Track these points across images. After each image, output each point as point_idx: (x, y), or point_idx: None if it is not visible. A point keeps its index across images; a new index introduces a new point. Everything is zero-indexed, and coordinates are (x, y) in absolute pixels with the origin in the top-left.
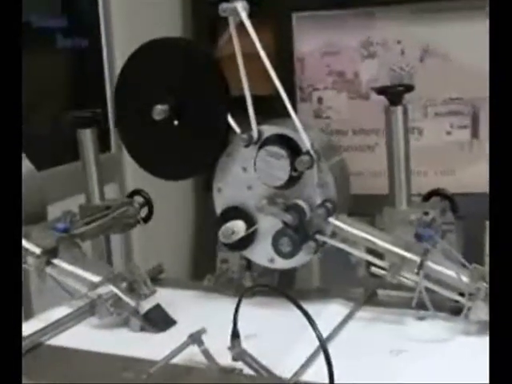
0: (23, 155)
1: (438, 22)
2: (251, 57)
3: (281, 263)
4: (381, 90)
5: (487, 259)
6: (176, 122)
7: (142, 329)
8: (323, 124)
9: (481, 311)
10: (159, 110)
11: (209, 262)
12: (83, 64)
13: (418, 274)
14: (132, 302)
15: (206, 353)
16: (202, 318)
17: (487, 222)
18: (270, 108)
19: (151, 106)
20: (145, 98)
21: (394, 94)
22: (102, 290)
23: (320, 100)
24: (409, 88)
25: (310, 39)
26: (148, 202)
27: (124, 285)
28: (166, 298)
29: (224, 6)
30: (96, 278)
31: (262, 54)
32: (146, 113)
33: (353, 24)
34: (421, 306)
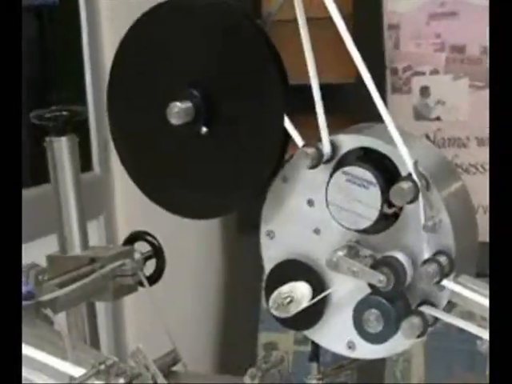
0: None
1: None
2: (315, 26)
3: (365, 351)
4: None
5: None
6: (204, 130)
7: None
8: (430, 129)
9: None
10: (178, 111)
11: (246, 347)
12: (48, 32)
13: None
14: None
15: None
16: None
17: None
18: (347, 105)
19: (166, 103)
20: (156, 90)
21: None
22: None
23: (424, 90)
24: None
25: None
26: (157, 253)
27: (121, 381)
28: None
29: None
30: (77, 371)
31: (339, 21)
32: (158, 114)
33: None
34: None
